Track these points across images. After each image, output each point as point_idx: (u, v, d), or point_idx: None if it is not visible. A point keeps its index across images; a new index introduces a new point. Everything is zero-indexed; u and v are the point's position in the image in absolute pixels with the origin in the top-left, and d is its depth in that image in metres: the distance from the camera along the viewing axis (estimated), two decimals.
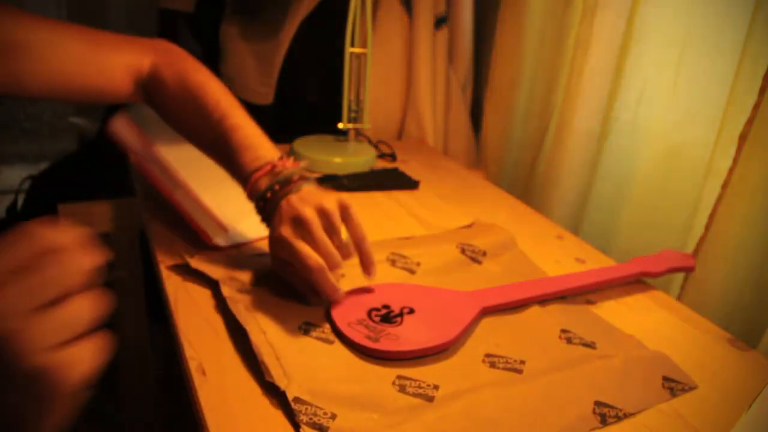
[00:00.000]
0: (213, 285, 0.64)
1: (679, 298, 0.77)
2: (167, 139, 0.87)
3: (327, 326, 0.59)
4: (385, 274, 0.69)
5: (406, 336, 0.57)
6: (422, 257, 0.72)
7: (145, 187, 0.84)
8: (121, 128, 0.83)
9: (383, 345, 0.55)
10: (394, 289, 0.65)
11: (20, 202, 1.73)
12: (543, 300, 0.67)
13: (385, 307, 0.61)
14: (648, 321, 0.67)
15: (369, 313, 0.60)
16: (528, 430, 0.49)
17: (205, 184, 0.83)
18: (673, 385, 0.56)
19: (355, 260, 0.71)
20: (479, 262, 0.75)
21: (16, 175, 1.90)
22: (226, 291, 0.61)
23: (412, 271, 0.71)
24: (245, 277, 0.65)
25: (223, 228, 0.72)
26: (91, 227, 1.03)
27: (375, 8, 1.12)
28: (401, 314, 0.60)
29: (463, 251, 0.75)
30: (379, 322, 0.58)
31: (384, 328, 0.58)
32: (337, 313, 0.59)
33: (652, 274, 0.72)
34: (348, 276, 0.67)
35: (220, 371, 0.52)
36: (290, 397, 0.48)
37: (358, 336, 0.56)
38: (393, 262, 0.71)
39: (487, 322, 0.63)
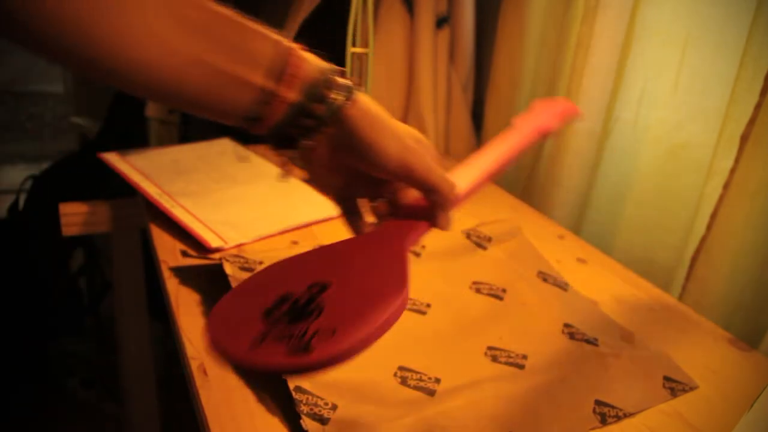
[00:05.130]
0: (215, 282, 0.64)
1: (680, 298, 0.77)
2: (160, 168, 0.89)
3: None
4: None
5: (344, 321, 0.38)
6: (427, 239, 0.73)
7: None
8: (114, 161, 0.87)
9: (325, 349, 0.36)
10: (281, 270, 0.45)
11: (21, 201, 1.73)
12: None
13: (286, 298, 0.41)
14: (649, 321, 0.67)
15: (268, 318, 0.39)
16: (528, 429, 0.49)
17: (204, 190, 0.83)
18: (674, 385, 0.56)
19: None
20: (484, 248, 0.75)
21: (18, 175, 1.91)
22: (228, 269, 0.61)
23: (417, 254, 0.71)
24: (248, 256, 0.64)
25: (222, 239, 0.72)
26: (91, 227, 1.03)
27: (376, 8, 1.12)
28: (313, 297, 0.41)
29: (468, 236, 0.75)
30: (291, 322, 0.39)
31: (303, 326, 0.38)
32: (223, 340, 0.38)
33: (552, 130, 0.61)
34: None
35: (222, 371, 0.52)
36: (291, 386, 0.48)
37: (278, 357, 0.36)
38: None
39: (490, 313, 0.63)
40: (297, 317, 0.39)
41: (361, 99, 0.42)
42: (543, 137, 0.60)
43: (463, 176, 0.51)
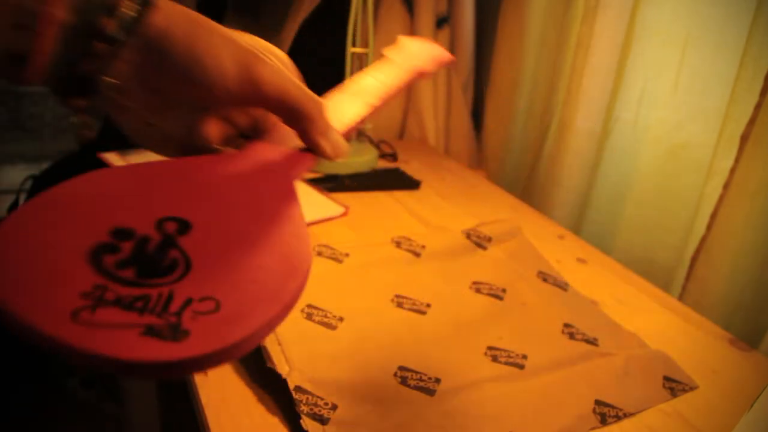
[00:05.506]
0: None
1: (680, 298, 0.77)
2: None
3: (330, 310, 0.58)
4: (389, 256, 0.68)
5: (228, 289, 0.25)
6: (427, 239, 0.73)
7: None
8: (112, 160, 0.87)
9: (211, 338, 0.22)
10: (108, 186, 0.30)
11: (21, 201, 1.73)
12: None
13: (125, 234, 0.26)
14: (649, 321, 0.67)
15: (98, 265, 0.24)
16: (528, 429, 0.49)
17: None
18: (674, 385, 0.56)
19: None
20: (484, 248, 0.75)
21: (18, 175, 1.90)
22: None
23: (417, 254, 0.71)
24: None
25: None
26: None
27: (376, 8, 1.13)
28: (170, 241, 0.26)
29: (468, 236, 0.76)
30: (140, 277, 0.24)
31: (165, 288, 0.24)
32: (20, 299, 0.22)
33: (428, 74, 0.54)
34: None
35: (222, 370, 0.52)
36: (291, 386, 0.48)
37: (128, 344, 0.22)
38: (398, 244, 0.72)
39: (490, 313, 0.63)
40: (148, 270, 0.24)
41: (166, 4, 0.31)
42: (417, 78, 0.51)
43: (346, 105, 0.41)
